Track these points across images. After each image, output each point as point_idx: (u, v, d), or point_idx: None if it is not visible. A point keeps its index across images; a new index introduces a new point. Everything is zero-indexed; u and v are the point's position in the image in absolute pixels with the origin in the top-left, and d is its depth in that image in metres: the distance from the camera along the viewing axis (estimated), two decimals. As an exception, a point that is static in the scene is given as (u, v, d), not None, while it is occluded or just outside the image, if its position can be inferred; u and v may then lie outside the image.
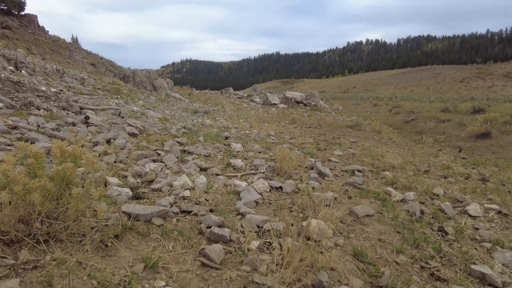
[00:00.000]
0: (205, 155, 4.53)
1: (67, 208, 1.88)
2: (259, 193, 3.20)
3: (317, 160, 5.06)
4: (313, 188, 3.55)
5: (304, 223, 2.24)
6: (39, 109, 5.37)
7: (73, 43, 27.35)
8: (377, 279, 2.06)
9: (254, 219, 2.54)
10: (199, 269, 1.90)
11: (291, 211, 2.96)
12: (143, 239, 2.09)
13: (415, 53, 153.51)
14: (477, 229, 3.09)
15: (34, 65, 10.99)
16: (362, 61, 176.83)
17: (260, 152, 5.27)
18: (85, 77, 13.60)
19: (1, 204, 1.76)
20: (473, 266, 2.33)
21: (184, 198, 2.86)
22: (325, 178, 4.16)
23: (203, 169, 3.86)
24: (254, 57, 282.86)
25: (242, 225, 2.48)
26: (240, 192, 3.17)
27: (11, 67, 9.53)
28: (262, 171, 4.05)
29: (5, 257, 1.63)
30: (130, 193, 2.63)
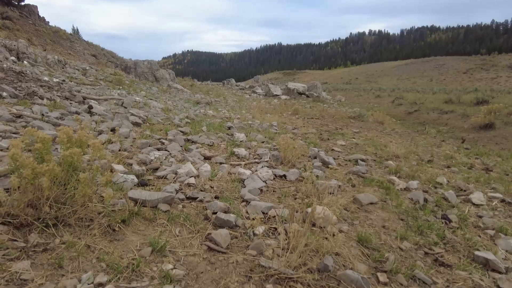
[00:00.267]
0: (208, 144, 4.53)
1: (74, 193, 1.89)
2: (263, 181, 3.21)
3: (320, 149, 5.06)
4: (317, 176, 3.56)
5: (309, 210, 2.25)
6: (42, 99, 5.37)
7: (74, 34, 27.17)
8: (381, 264, 2.08)
9: (259, 205, 2.55)
10: (205, 253, 1.92)
11: (296, 198, 2.98)
12: (149, 224, 2.11)
13: (418, 44, 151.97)
14: (480, 217, 3.10)
15: (35, 56, 10.96)
16: (364, 52, 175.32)
17: (263, 142, 5.27)
18: (87, 68, 13.56)
19: (11, 188, 1.77)
20: (476, 252, 2.34)
21: (189, 185, 2.87)
22: (329, 167, 4.16)
23: (207, 158, 3.87)
24: (256, 48, 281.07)
25: (247, 211, 2.50)
26: (244, 180, 3.18)
27: (13, 58, 9.50)
28: (265, 160, 4.06)
29: (15, 240, 1.66)
30: (136, 180, 2.64)
